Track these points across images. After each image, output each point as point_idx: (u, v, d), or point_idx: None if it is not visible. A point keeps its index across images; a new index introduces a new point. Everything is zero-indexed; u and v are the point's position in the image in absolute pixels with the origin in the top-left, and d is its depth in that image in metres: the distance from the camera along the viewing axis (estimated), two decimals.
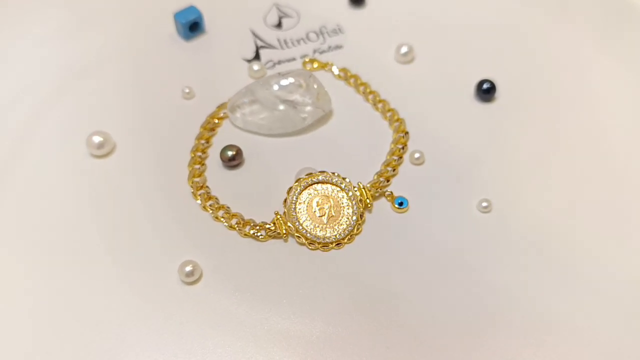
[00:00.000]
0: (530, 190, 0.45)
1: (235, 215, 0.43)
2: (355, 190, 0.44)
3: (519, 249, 0.43)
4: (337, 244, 0.42)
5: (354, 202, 0.43)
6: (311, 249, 0.42)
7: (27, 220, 0.43)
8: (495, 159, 0.47)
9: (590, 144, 0.48)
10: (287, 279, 0.41)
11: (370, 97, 0.50)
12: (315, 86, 0.48)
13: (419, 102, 0.50)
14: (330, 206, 0.43)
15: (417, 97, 0.50)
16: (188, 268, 0.40)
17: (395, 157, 0.47)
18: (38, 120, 0.48)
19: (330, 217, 0.43)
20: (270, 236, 0.43)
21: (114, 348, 0.39)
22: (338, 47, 0.54)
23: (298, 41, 0.54)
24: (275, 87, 0.47)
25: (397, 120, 0.49)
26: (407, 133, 0.48)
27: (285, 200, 0.43)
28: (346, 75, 0.52)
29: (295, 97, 0.47)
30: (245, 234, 0.43)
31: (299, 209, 0.43)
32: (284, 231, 0.42)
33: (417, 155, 0.47)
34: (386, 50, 0.53)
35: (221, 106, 0.49)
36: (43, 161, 0.46)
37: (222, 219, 0.43)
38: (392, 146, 0.47)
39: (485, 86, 0.50)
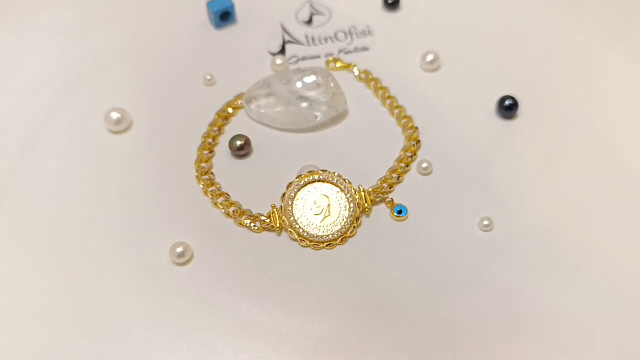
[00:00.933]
0: (539, 211, 0.45)
1: (234, 204, 0.45)
2: (355, 193, 0.45)
3: (518, 268, 0.43)
4: (329, 245, 0.44)
5: (352, 205, 0.45)
6: (302, 246, 0.44)
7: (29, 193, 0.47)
8: (506, 177, 0.47)
9: (609, 163, 0.48)
10: (274, 273, 0.43)
11: (388, 102, 0.51)
12: (332, 85, 0.49)
13: (437, 113, 0.51)
14: (328, 206, 0.45)
15: (436, 107, 0.51)
16: (179, 249, 0.42)
17: (403, 165, 0.47)
18: (65, 96, 0.51)
19: (326, 216, 0.44)
20: (264, 228, 0.44)
21: (95, 314, 0.41)
22: (364, 49, 0.55)
23: (326, 40, 0.55)
24: (294, 83, 0.49)
25: (412, 128, 0.49)
26: (419, 142, 0.49)
27: (283, 195, 0.45)
28: (367, 78, 0.53)
29: (312, 94, 0.49)
30: (240, 223, 0.44)
31: (296, 205, 0.44)
32: (278, 225, 0.44)
33: (424, 165, 0.47)
34: (413, 56, 0.54)
35: (239, 96, 0.51)
36: (63, 133, 0.49)
37: (220, 206, 0.45)
38: (402, 153, 0.48)
39: (507, 103, 0.50)
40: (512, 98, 0.50)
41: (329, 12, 0.57)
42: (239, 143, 0.47)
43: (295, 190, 0.45)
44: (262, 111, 0.49)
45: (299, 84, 0.49)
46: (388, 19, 0.57)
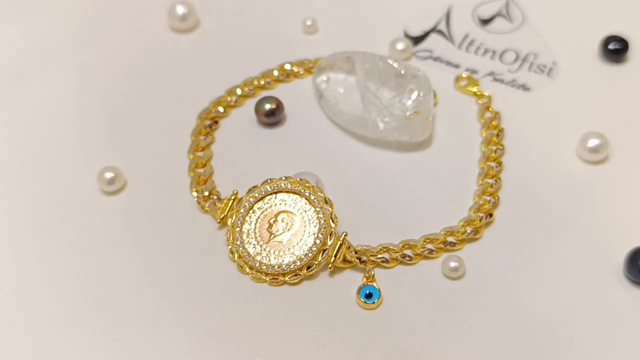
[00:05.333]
0: None
1: (205, 165, 0.42)
2: (331, 237, 0.37)
3: None
4: (254, 274, 0.38)
5: (315, 247, 0.37)
6: (230, 257, 0.38)
7: None
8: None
9: None
10: (191, 265, 0.39)
11: (490, 164, 0.41)
12: (421, 98, 0.41)
13: (535, 221, 0.39)
14: (286, 229, 0.38)
15: (543, 213, 0.40)
16: (108, 175, 0.41)
17: (431, 247, 0.38)
18: None
19: (274, 234, 0.38)
20: (210, 210, 0.40)
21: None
22: (524, 87, 0.44)
23: (486, 52, 0.46)
24: (377, 76, 0.42)
25: (485, 211, 0.39)
26: (477, 232, 0.38)
27: (253, 187, 0.39)
28: (490, 123, 0.43)
29: (387, 99, 0.41)
30: (194, 191, 0.41)
31: (256, 208, 0.39)
32: (222, 216, 0.39)
33: (453, 264, 0.37)
34: (578, 130, 0.42)
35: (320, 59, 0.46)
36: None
37: (191, 156, 0.42)
38: (443, 232, 0.38)
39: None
40: None
41: (521, 21, 0.47)
42: (267, 107, 0.43)
43: (268, 191, 0.39)
44: (324, 86, 0.43)
45: (383, 82, 0.42)
46: (591, 69, 0.45)
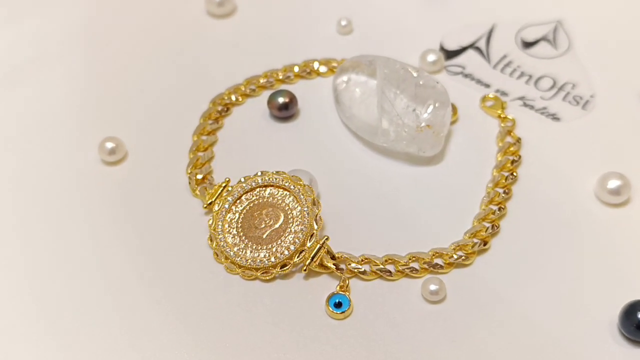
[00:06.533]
0: None
1: (207, 149, 0.42)
2: (311, 238, 0.37)
3: None
4: (228, 265, 0.37)
5: (293, 245, 0.37)
6: (208, 244, 0.38)
7: None
8: None
9: None
10: (173, 237, 0.39)
11: (497, 190, 0.39)
12: (436, 111, 0.39)
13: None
14: (269, 224, 0.38)
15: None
16: (109, 144, 0.41)
17: (414, 266, 0.36)
18: None
19: (256, 232, 0.38)
20: (199, 194, 0.40)
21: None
22: (554, 117, 0.42)
23: (521, 75, 0.44)
24: (394, 84, 0.40)
25: (481, 237, 0.37)
26: (467, 257, 0.37)
27: (245, 178, 0.39)
28: (507, 148, 0.41)
29: (400, 109, 0.40)
30: (188, 173, 0.41)
31: (245, 198, 0.38)
32: (210, 201, 0.39)
33: (433, 287, 0.36)
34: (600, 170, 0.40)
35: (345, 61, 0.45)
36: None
37: (194, 139, 0.42)
38: (430, 253, 0.37)
39: None
40: None
41: (567, 48, 0.45)
42: (280, 100, 0.43)
43: (258, 183, 0.39)
44: (343, 87, 0.42)
45: (401, 90, 0.40)
46: (630, 107, 0.43)
